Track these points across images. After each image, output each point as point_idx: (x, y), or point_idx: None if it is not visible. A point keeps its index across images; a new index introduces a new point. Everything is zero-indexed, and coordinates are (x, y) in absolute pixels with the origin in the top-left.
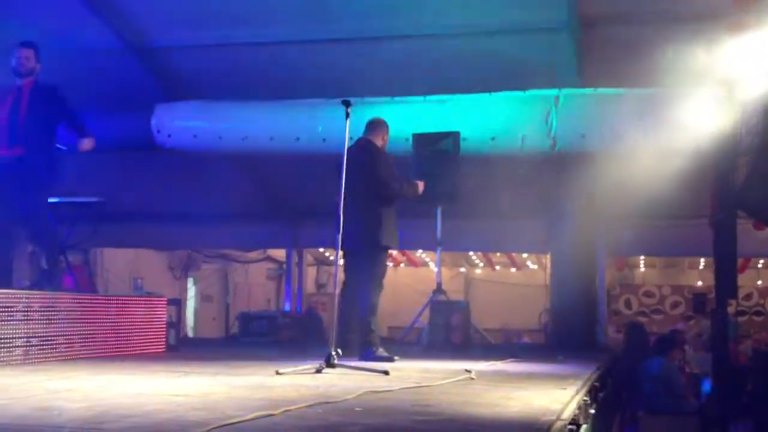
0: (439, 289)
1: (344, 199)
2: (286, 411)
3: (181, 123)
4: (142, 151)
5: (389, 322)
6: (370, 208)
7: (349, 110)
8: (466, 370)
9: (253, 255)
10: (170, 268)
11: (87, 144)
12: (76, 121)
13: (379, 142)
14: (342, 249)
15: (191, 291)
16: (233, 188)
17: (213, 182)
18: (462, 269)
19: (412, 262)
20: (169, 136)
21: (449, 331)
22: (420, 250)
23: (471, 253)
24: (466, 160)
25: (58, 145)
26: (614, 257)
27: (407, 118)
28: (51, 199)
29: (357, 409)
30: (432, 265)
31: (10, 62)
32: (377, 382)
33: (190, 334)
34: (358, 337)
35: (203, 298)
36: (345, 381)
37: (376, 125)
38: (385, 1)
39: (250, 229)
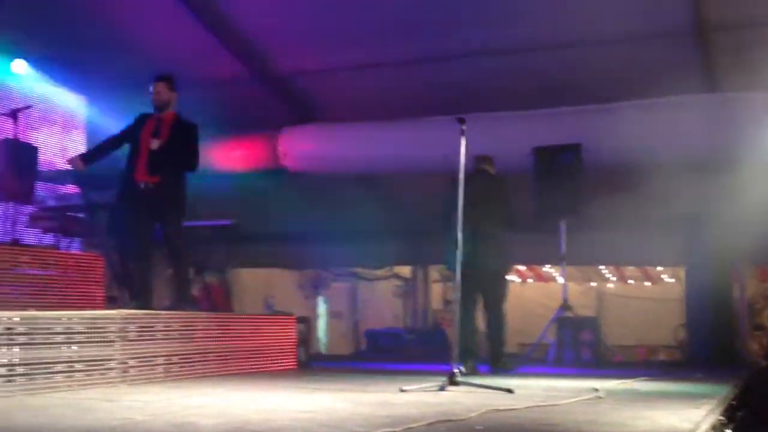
0: (565, 305)
1: (466, 219)
2: (408, 429)
3: (305, 146)
4: (271, 174)
5: (518, 338)
6: (495, 234)
7: (464, 127)
8: (594, 389)
9: (380, 272)
10: (301, 287)
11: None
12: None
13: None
14: (468, 269)
15: (321, 309)
16: (359, 207)
17: (339, 202)
18: (593, 284)
19: (539, 278)
20: (295, 158)
21: (578, 348)
22: (547, 265)
23: (602, 267)
24: (598, 170)
25: None
26: (757, 268)
27: (532, 130)
28: (187, 223)
29: (478, 427)
30: (561, 280)
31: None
32: (501, 401)
33: (322, 350)
34: (490, 353)
35: (333, 315)
36: (468, 399)
37: (491, 159)
38: (502, 15)
39: (377, 247)
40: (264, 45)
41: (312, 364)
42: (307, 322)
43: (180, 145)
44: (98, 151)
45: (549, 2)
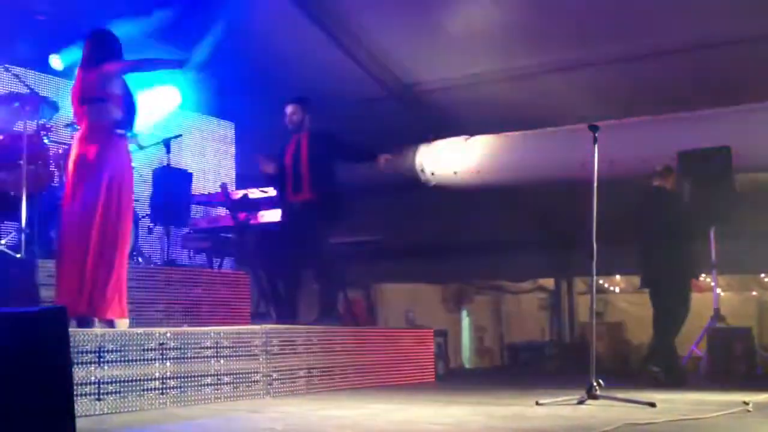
0: (717, 316)
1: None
2: None
3: (441, 160)
4: (410, 190)
5: None
6: (676, 246)
7: (596, 135)
8: (744, 402)
9: (524, 285)
10: (444, 301)
11: (383, 160)
12: (358, 151)
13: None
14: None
15: (465, 322)
16: (499, 220)
17: (480, 215)
18: (754, 293)
19: (695, 287)
20: (432, 173)
21: (730, 360)
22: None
23: (763, 275)
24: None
25: None
26: None
27: (676, 133)
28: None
29: None
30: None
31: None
32: (641, 415)
33: (466, 365)
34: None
35: (477, 329)
36: (606, 413)
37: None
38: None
39: (519, 259)
40: (399, 62)
41: (451, 377)
42: (444, 336)
43: (324, 157)
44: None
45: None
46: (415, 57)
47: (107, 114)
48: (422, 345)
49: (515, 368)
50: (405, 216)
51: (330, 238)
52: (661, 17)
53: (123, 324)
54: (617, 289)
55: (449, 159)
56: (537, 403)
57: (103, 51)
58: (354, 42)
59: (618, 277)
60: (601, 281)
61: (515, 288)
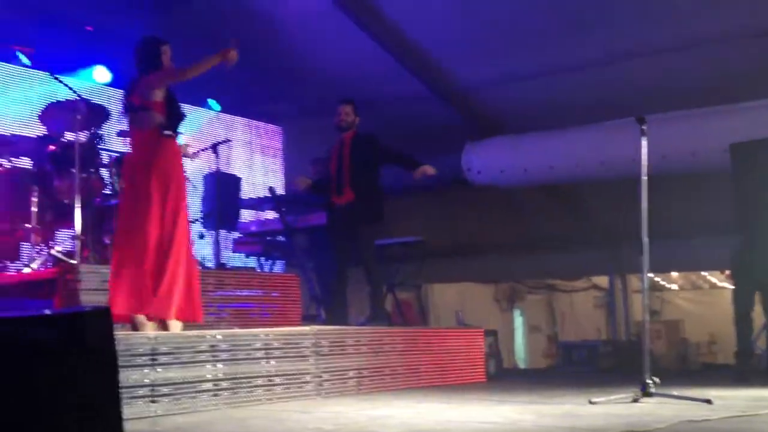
0: None
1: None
2: None
3: (488, 159)
4: (457, 189)
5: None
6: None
7: (644, 127)
8: None
9: (578, 284)
10: (496, 300)
11: (428, 170)
12: (403, 157)
13: None
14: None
15: (518, 322)
16: (549, 217)
17: (529, 213)
18: None
19: None
20: (479, 172)
21: None
22: None
23: None
24: None
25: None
26: None
27: (727, 125)
28: (379, 241)
29: None
30: None
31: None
32: (697, 412)
33: (521, 365)
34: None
35: (530, 329)
36: (662, 410)
37: None
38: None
39: (571, 257)
40: (442, 60)
41: (504, 377)
42: (495, 335)
43: (366, 159)
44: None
45: None
46: (460, 55)
47: (152, 120)
48: (473, 345)
49: (569, 367)
50: (453, 215)
51: (373, 240)
52: (711, 5)
53: (176, 326)
54: (675, 287)
55: (496, 157)
56: (590, 402)
57: (150, 59)
58: (398, 42)
59: (676, 274)
60: (658, 279)
61: (568, 286)
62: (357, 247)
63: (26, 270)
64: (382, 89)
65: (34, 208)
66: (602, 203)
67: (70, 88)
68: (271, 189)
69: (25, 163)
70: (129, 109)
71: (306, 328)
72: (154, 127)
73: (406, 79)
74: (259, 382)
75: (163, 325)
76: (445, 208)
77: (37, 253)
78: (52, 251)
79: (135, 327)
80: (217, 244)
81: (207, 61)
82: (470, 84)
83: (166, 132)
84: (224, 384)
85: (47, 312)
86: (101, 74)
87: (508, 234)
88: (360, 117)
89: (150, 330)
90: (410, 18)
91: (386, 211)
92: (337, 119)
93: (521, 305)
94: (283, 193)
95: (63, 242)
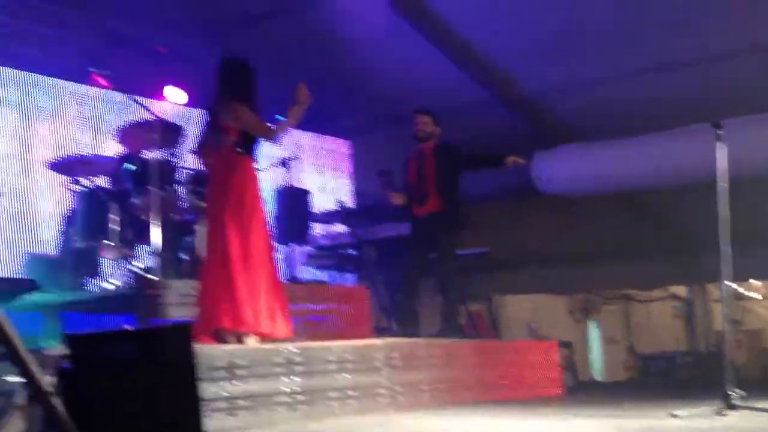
0: None
1: None
2: None
3: (558, 168)
4: (527, 199)
5: None
6: None
7: (720, 132)
8: None
9: (655, 293)
10: (570, 312)
11: (518, 159)
12: (488, 157)
13: None
14: None
15: (593, 333)
16: (623, 226)
17: (602, 222)
18: None
19: None
20: (549, 181)
21: None
22: None
23: None
24: None
25: None
26: None
27: None
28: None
29: None
30: None
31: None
32: None
33: (597, 377)
34: None
35: (606, 340)
36: (747, 423)
37: None
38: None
39: (647, 266)
40: (509, 69)
41: (580, 390)
42: (570, 348)
43: (449, 169)
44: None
45: None
46: (528, 63)
47: (229, 141)
48: (547, 357)
49: (647, 379)
50: (523, 226)
51: (454, 250)
52: None
53: (252, 340)
54: (758, 296)
55: (567, 166)
56: (671, 415)
57: (241, 85)
58: (464, 51)
59: (759, 282)
60: (739, 288)
61: (645, 297)
62: (438, 257)
63: (107, 286)
64: (449, 100)
65: (113, 226)
66: (679, 210)
67: (147, 108)
68: (340, 202)
69: (105, 181)
70: (210, 128)
71: (378, 341)
72: (230, 146)
73: (473, 89)
74: (334, 395)
75: (239, 339)
76: (515, 218)
77: (117, 269)
78: (132, 267)
79: (216, 339)
80: (288, 258)
81: (291, 118)
82: (539, 92)
83: (239, 149)
84: (300, 397)
85: (128, 328)
86: (175, 94)
87: (582, 244)
88: (441, 127)
89: (229, 343)
90: (476, 28)
91: (466, 222)
92: (415, 129)
93: (596, 316)
94: (353, 206)
95: (142, 258)
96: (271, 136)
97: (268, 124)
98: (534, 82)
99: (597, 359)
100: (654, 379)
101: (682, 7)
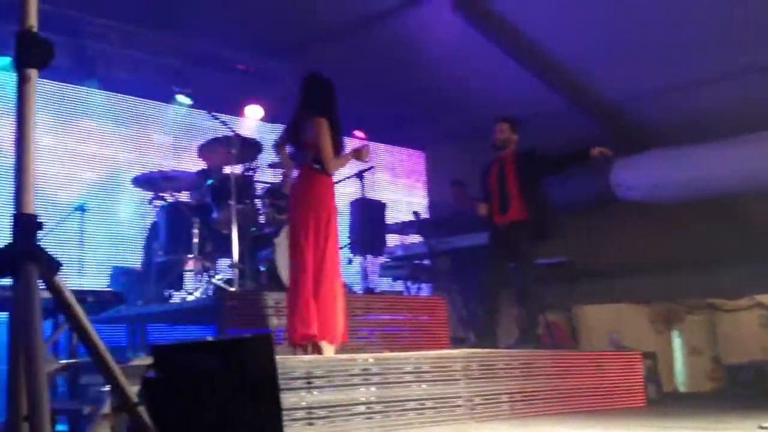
0: None
1: None
2: None
3: (640, 174)
4: (606, 207)
5: None
6: None
7: None
8: None
9: (741, 302)
10: (652, 322)
11: (604, 150)
12: (570, 156)
13: None
14: None
15: (676, 344)
16: (708, 233)
17: (685, 229)
18: None
19: None
20: (630, 188)
21: None
22: None
23: None
24: None
25: None
26: None
27: None
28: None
29: None
30: None
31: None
32: None
33: (681, 389)
34: None
35: (690, 351)
36: None
37: None
38: None
39: (733, 274)
40: (587, 76)
41: (664, 402)
42: (653, 358)
43: (530, 175)
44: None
45: None
46: (606, 70)
47: (307, 156)
48: (629, 368)
49: (735, 390)
50: (602, 234)
51: (533, 259)
52: None
53: (329, 350)
54: None
55: (648, 172)
56: (760, 427)
57: (326, 101)
58: (539, 59)
59: None
60: None
61: (731, 306)
62: (517, 266)
63: (189, 298)
64: (526, 108)
65: (195, 239)
66: (766, 216)
67: (226, 125)
68: (415, 213)
69: (186, 196)
70: (291, 143)
71: (455, 351)
72: (309, 161)
73: (550, 96)
74: (411, 405)
75: (316, 349)
76: (594, 227)
77: (199, 281)
78: (213, 279)
79: (313, 351)
80: (364, 269)
81: (346, 159)
82: (617, 98)
83: (316, 166)
84: (377, 407)
85: (210, 339)
86: (254, 111)
87: (664, 252)
88: (518, 135)
89: (329, 353)
90: (553, 36)
91: (552, 229)
92: (492, 137)
93: (680, 326)
94: (427, 217)
95: (222, 270)
96: (328, 166)
97: (333, 156)
98: (613, 88)
99: (681, 370)
100: (741, 390)
101: (761, 13)
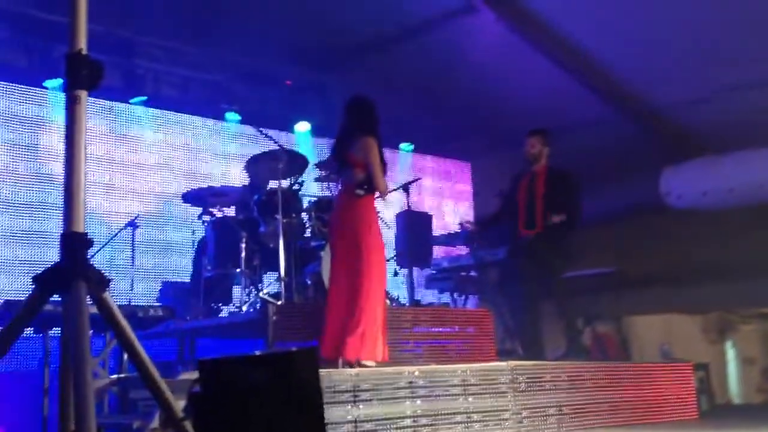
0: None
1: None
2: None
3: (689, 182)
4: (654, 215)
5: None
6: None
7: None
8: None
9: None
10: (704, 332)
11: (556, 218)
12: (569, 209)
13: None
14: None
15: (730, 354)
16: (758, 241)
17: (737, 236)
18: None
19: None
20: (679, 197)
21: None
22: None
23: None
24: None
25: None
26: None
27: None
28: (572, 273)
29: None
30: None
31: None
32: None
33: (735, 400)
34: None
35: (744, 361)
36: None
37: None
38: None
39: None
40: (634, 82)
41: (718, 414)
42: (706, 369)
43: (558, 195)
44: (493, 218)
45: None
46: (652, 76)
47: (354, 177)
48: (681, 380)
49: None
50: (652, 243)
51: (561, 272)
52: None
53: (370, 363)
54: None
55: (698, 179)
56: None
57: (370, 122)
58: (585, 67)
59: None
60: None
61: None
62: (544, 280)
63: (237, 312)
64: (572, 116)
65: (243, 254)
66: None
67: (272, 139)
68: (461, 225)
69: (234, 211)
70: (338, 161)
71: (502, 364)
72: (354, 183)
73: (597, 104)
74: (458, 418)
75: (360, 363)
76: (642, 235)
77: (247, 295)
78: (261, 293)
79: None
80: (410, 281)
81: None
82: (665, 104)
83: (358, 192)
84: (423, 420)
85: (258, 353)
86: (300, 125)
87: (715, 260)
88: (550, 147)
89: (371, 365)
90: (598, 42)
91: (579, 245)
92: (524, 151)
93: (733, 336)
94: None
95: (270, 284)
96: (380, 184)
97: (383, 175)
98: (660, 94)
99: (734, 381)
100: None
101: None
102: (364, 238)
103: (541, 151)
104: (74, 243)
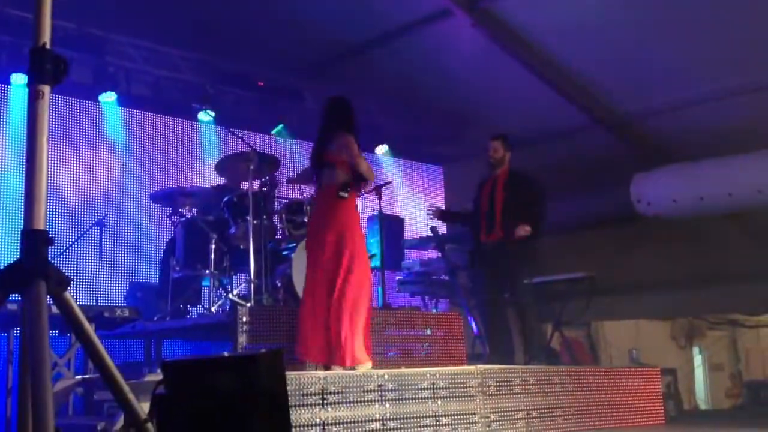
0: None
1: None
2: None
3: (660, 189)
4: (625, 222)
5: None
6: None
7: None
8: None
9: (764, 318)
10: (673, 338)
11: (522, 231)
12: (534, 217)
13: None
14: None
15: (697, 360)
16: (729, 248)
17: (706, 244)
18: None
19: None
20: (649, 204)
21: None
22: None
23: None
24: None
25: None
26: None
27: None
28: (542, 278)
29: None
30: None
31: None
32: None
33: (702, 406)
34: None
35: (711, 367)
36: None
37: None
38: None
39: (755, 289)
40: (605, 92)
41: (684, 419)
42: (673, 375)
43: (519, 201)
44: (458, 215)
45: None
46: (624, 85)
47: (335, 178)
48: (649, 385)
49: (756, 408)
50: (622, 250)
51: (524, 277)
52: None
53: (362, 369)
54: None
55: (668, 187)
56: None
57: (347, 120)
58: (558, 74)
59: None
60: None
61: (753, 321)
62: (509, 285)
63: (205, 313)
64: (546, 124)
65: (212, 255)
66: None
67: (243, 140)
68: (433, 229)
69: (204, 212)
70: (318, 163)
71: (471, 368)
72: (337, 184)
73: (570, 112)
74: (427, 422)
75: (327, 366)
76: (614, 242)
77: (216, 297)
78: (230, 295)
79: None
80: (381, 284)
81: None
82: (636, 113)
83: (342, 194)
84: (392, 424)
85: (225, 354)
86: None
87: (684, 267)
88: (511, 152)
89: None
90: (572, 51)
91: (549, 249)
92: (487, 156)
93: (701, 342)
94: (445, 233)
95: (239, 286)
96: (368, 175)
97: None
98: (632, 103)
99: (701, 387)
100: (763, 407)
101: None
102: (348, 243)
103: (504, 156)
104: (34, 240)
